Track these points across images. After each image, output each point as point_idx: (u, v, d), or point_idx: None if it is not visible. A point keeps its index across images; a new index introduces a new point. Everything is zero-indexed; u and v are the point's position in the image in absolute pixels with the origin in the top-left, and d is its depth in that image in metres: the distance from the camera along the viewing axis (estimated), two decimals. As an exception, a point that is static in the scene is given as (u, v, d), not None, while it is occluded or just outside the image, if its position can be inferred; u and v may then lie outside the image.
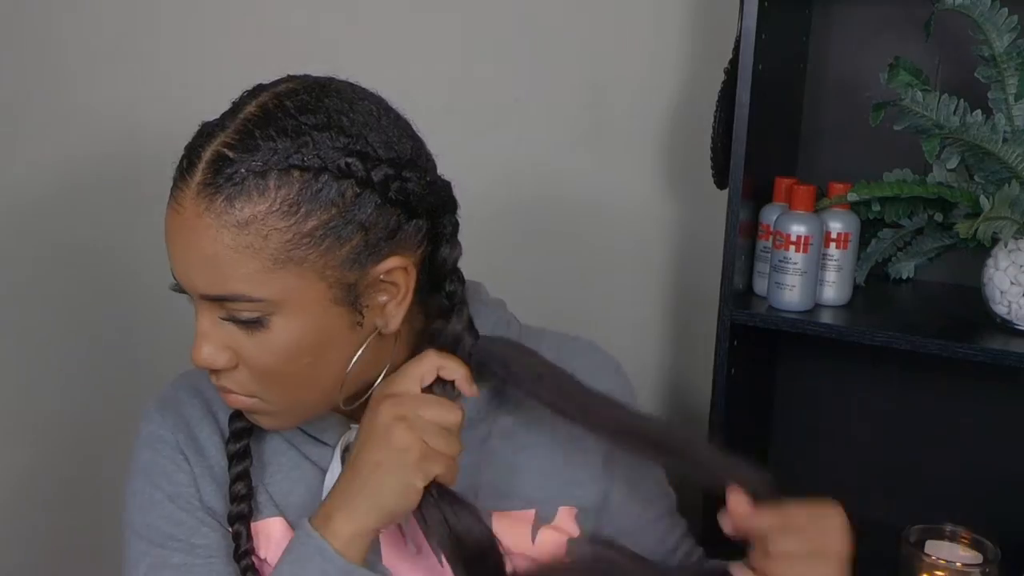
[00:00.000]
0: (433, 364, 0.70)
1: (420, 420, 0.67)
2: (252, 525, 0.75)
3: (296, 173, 0.63)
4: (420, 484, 0.67)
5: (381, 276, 0.67)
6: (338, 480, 0.70)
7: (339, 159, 0.64)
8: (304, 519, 0.69)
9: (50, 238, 1.27)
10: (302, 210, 0.63)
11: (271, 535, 0.76)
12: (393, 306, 0.69)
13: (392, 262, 0.67)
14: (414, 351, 0.74)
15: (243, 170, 0.62)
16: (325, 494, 0.74)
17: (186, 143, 0.67)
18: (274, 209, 0.62)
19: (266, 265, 0.63)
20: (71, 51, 1.25)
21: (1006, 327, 1.09)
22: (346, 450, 0.75)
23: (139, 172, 1.26)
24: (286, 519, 0.76)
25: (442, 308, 0.73)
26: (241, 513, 0.74)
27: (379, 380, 0.73)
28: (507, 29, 1.40)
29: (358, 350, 0.69)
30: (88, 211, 1.29)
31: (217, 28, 1.32)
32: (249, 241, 0.62)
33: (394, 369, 0.73)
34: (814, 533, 0.68)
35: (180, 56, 1.31)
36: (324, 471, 0.76)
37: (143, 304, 1.32)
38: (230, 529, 0.75)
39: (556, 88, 1.41)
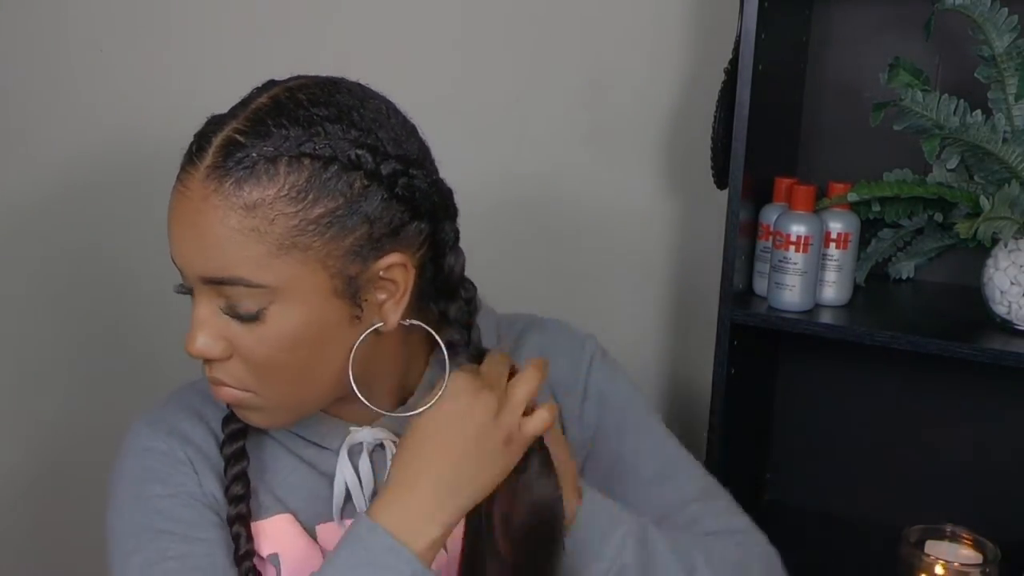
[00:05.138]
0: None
1: (515, 405, 0.68)
2: (258, 524, 0.75)
3: (306, 161, 0.64)
4: (516, 459, 0.67)
5: (381, 272, 0.68)
6: (411, 475, 0.65)
7: (349, 150, 0.64)
8: (372, 523, 0.64)
9: (49, 239, 1.27)
10: (310, 197, 0.64)
11: (279, 532, 0.76)
12: (391, 304, 0.69)
13: (393, 258, 0.67)
14: (423, 358, 0.76)
15: (254, 154, 0.63)
16: (338, 496, 0.75)
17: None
18: (282, 194, 0.63)
19: (270, 250, 0.63)
20: (72, 51, 1.25)
21: (1006, 327, 1.09)
22: (350, 452, 0.75)
23: (140, 173, 1.26)
24: (295, 516, 0.76)
25: (460, 316, 0.73)
26: (240, 514, 0.73)
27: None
28: (507, 29, 1.40)
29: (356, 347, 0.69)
30: (88, 212, 1.29)
31: (220, 27, 1.32)
32: (255, 224, 0.63)
33: (402, 372, 0.74)
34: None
35: (183, 56, 1.31)
36: (325, 475, 0.76)
37: (143, 304, 1.32)
38: (230, 530, 0.74)
39: (556, 88, 1.41)
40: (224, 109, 0.68)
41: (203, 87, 1.28)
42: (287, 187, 0.63)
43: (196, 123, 0.68)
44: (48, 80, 1.25)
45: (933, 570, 1.10)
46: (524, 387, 0.69)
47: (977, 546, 1.12)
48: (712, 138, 1.18)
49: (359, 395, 0.70)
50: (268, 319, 0.65)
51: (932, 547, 1.12)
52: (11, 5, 1.21)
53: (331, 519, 0.76)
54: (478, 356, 0.73)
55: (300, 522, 0.76)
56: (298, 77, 0.69)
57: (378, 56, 1.37)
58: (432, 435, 0.66)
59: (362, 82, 0.71)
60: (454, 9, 1.40)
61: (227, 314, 0.66)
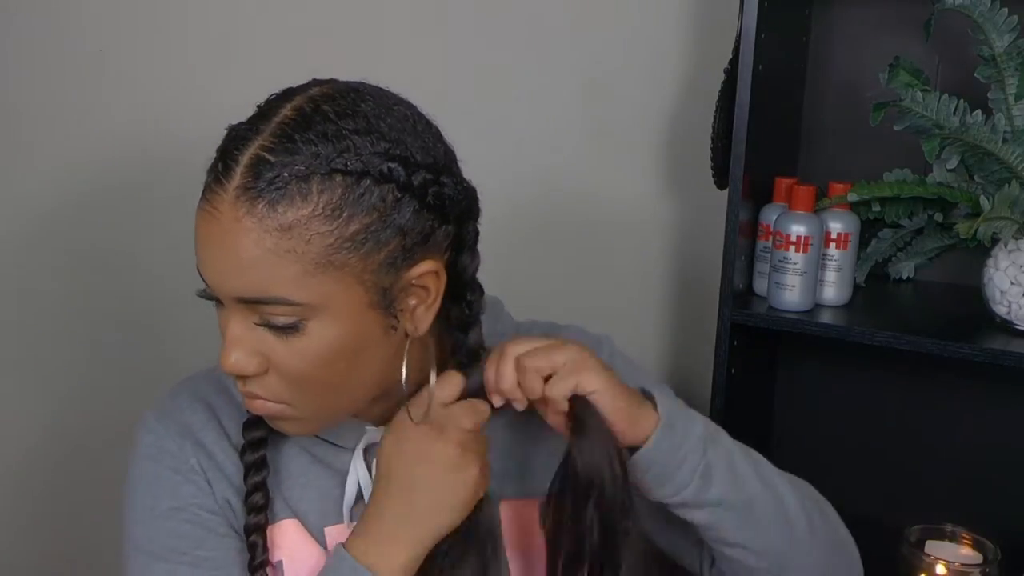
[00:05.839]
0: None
1: (473, 436, 0.71)
2: (267, 529, 0.75)
3: (339, 177, 0.63)
4: (482, 492, 0.71)
5: (413, 280, 0.68)
6: (379, 507, 0.70)
7: (380, 164, 0.64)
8: (342, 550, 0.70)
9: (59, 242, 1.27)
10: (344, 214, 0.63)
11: (285, 538, 0.76)
12: (422, 310, 0.69)
13: (425, 266, 0.67)
14: (434, 358, 0.75)
15: (285, 174, 0.62)
16: (349, 495, 0.75)
17: (215, 146, 0.66)
18: (317, 213, 0.62)
19: (307, 269, 0.63)
20: (83, 55, 1.25)
21: (1006, 327, 1.09)
22: (366, 451, 0.75)
23: (150, 177, 1.26)
24: (300, 521, 0.76)
25: (462, 319, 0.74)
26: (258, 524, 0.73)
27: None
28: (507, 29, 1.40)
29: (389, 355, 0.70)
30: (98, 216, 1.29)
31: (229, 31, 1.32)
32: (291, 245, 0.62)
33: (415, 373, 0.73)
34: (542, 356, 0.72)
35: (194, 59, 1.30)
36: (338, 473, 0.76)
37: (155, 309, 1.32)
38: (246, 540, 0.74)
39: (556, 88, 1.41)
40: (227, 106, 0.67)
41: (205, 86, 1.27)
42: (321, 206, 0.62)
43: (198, 122, 0.67)
44: (48, 83, 1.25)
45: (933, 570, 1.10)
46: (442, 395, 0.72)
47: (977, 546, 1.12)
48: (712, 138, 1.18)
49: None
50: (305, 333, 0.65)
51: (932, 547, 1.13)
52: (10, 7, 1.21)
53: (341, 521, 0.76)
54: (473, 359, 0.73)
55: (306, 526, 0.76)
56: (317, 83, 0.68)
57: (378, 55, 1.37)
58: (388, 473, 0.71)
59: (368, 80, 0.70)
60: (453, 9, 1.40)
61: (262, 326, 0.65)
